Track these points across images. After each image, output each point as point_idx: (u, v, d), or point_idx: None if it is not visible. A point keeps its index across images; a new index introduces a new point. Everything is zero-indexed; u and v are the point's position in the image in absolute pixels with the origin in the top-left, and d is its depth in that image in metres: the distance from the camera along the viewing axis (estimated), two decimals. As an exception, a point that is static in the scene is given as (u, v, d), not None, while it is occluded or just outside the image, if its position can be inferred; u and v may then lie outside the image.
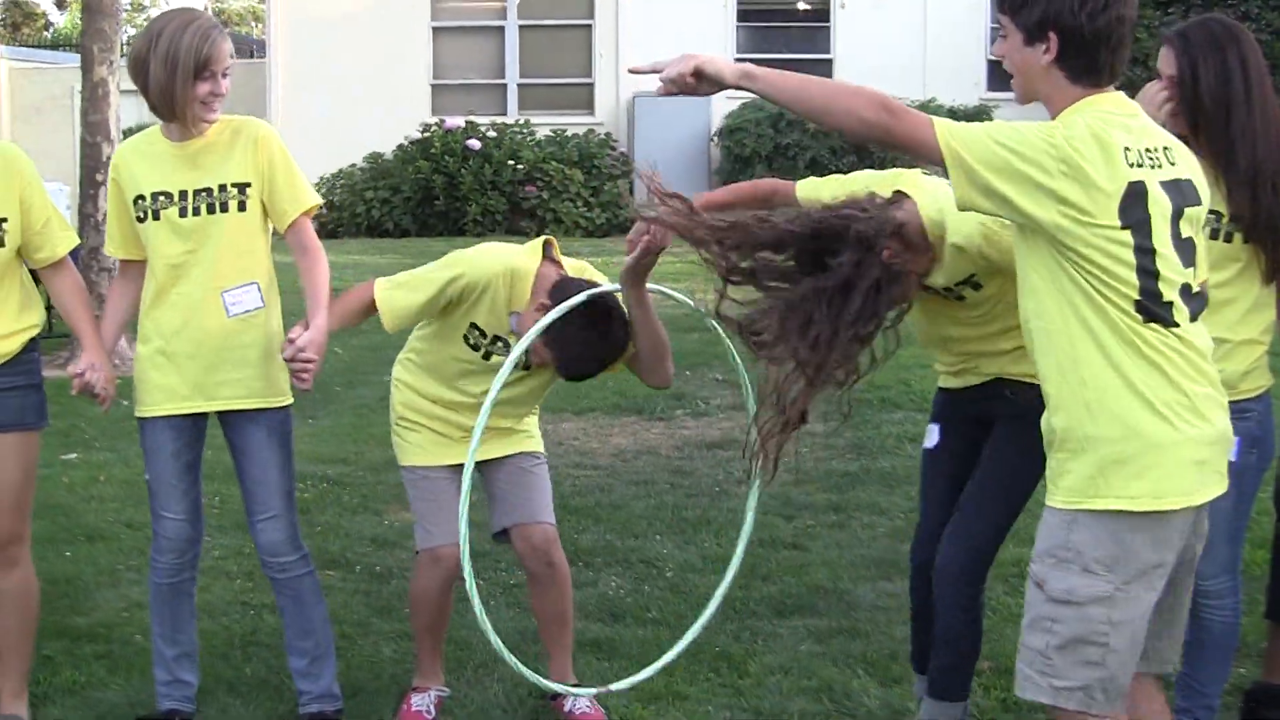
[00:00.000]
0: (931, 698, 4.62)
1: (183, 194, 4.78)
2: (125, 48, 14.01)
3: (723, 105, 23.72)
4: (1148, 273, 3.43)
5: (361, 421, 9.90)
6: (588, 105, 24.98)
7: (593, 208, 23.00)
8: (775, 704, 5.12)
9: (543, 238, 5.01)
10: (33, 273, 4.97)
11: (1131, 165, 3.43)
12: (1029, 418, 4.39)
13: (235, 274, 4.83)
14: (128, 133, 14.68)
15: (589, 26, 24.93)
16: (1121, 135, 3.46)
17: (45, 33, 56.52)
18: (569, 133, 23.82)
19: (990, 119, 22.62)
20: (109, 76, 12.84)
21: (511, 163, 22.83)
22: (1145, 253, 3.43)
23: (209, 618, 5.98)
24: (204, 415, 4.96)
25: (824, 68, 24.64)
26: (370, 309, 4.96)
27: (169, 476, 4.95)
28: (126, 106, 13.71)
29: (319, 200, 5.01)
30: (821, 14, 24.94)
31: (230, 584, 6.46)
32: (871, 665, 5.43)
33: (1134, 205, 3.42)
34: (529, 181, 22.85)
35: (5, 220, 4.74)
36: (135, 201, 4.84)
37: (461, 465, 4.35)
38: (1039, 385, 4.37)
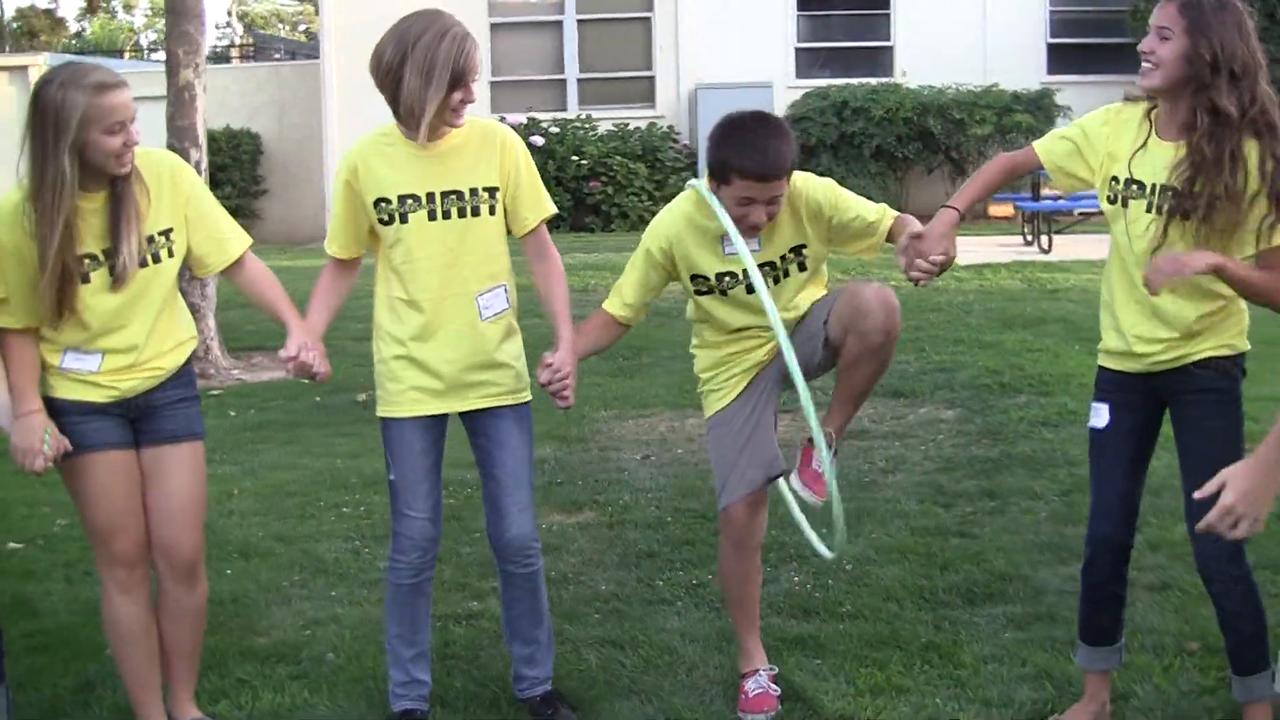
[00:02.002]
0: (1239, 675, 4.59)
1: (430, 196, 4.78)
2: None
3: (785, 95, 23.77)
4: None
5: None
6: (648, 98, 25.00)
7: (658, 201, 23.01)
8: (1001, 692, 5.10)
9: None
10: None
11: None
12: (1221, 389, 4.48)
13: (486, 277, 4.86)
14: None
15: (648, 19, 24.96)
16: None
17: (73, 40, 56.72)
18: (631, 126, 23.86)
19: (1053, 101, 22.64)
20: (195, 80, 12.70)
21: (575, 158, 22.89)
22: None
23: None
24: (447, 415, 4.98)
25: (884, 55, 24.66)
26: (612, 324, 5.11)
27: (416, 476, 4.96)
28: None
29: (555, 209, 5.03)
30: (881, 1, 24.87)
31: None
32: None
33: None
34: (593, 177, 22.92)
35: (171, 230, 4.70)
36: (377, 204, 4.82)
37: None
38: (1226, 358, 4.46)
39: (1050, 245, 18.41)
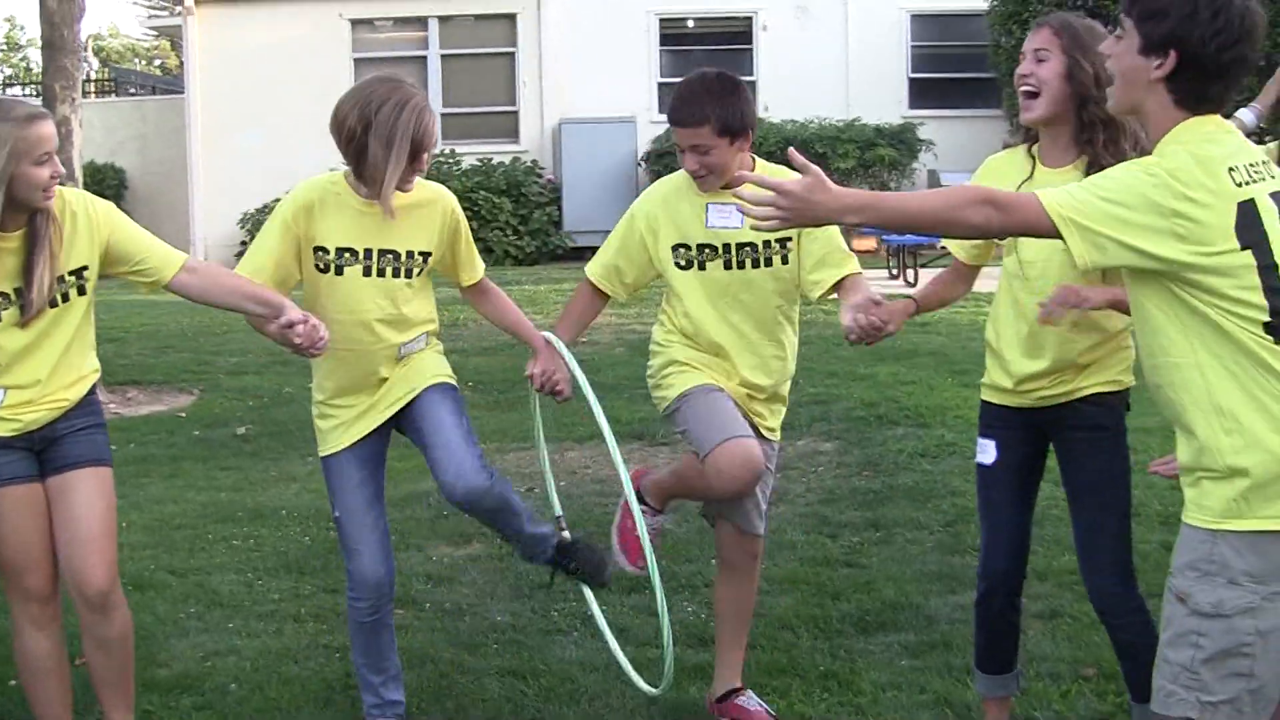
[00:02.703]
0: (1139, 702, 4.63)
1: (367, 253, 4.85)
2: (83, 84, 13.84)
3: (649, 129, 23.87)
4: (1275, 290, 3.34)
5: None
6: (512, 133, 25.08)
7: (522, 235, 23.08)
8: (902, 719, 5.17)
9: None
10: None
11: (1239, 184, 3.35)
12: (1106, 425, 4.55)
13: (411, 329, 5.02)
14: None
15: (511, 54, 25.05)
16: (1224, 155, 3.38)
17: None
18: (495, 161, 23.87)
19: (915, 135, 22.95)
20: (72, 115, 12.65)
21: (440, 192, 22.83)
22: (1269, 269, 3.34)
23: (294, 663, 5.92)
24: (381, 438, 5.04)
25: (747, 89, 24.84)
26: (595, 294, 5.24)
27: (359, 508, 5.00)
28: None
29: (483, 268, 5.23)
30: (744, 36, 25.20)
31: (301, 627, 6.39)
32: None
33: (1249, 224, 3.33)
34: (458, 211, 22.86)
35: (85, 268, 4.65)
36: (316, 251, 4.86)
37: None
38: (1112, 394, 4.52)
39: (916, 279, 18.63)
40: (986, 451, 4.80)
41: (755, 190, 3.44)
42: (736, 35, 25.30)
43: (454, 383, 5.07)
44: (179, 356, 14.39)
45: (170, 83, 41.33)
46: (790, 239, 4.97)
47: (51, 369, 4.64)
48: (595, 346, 14.18)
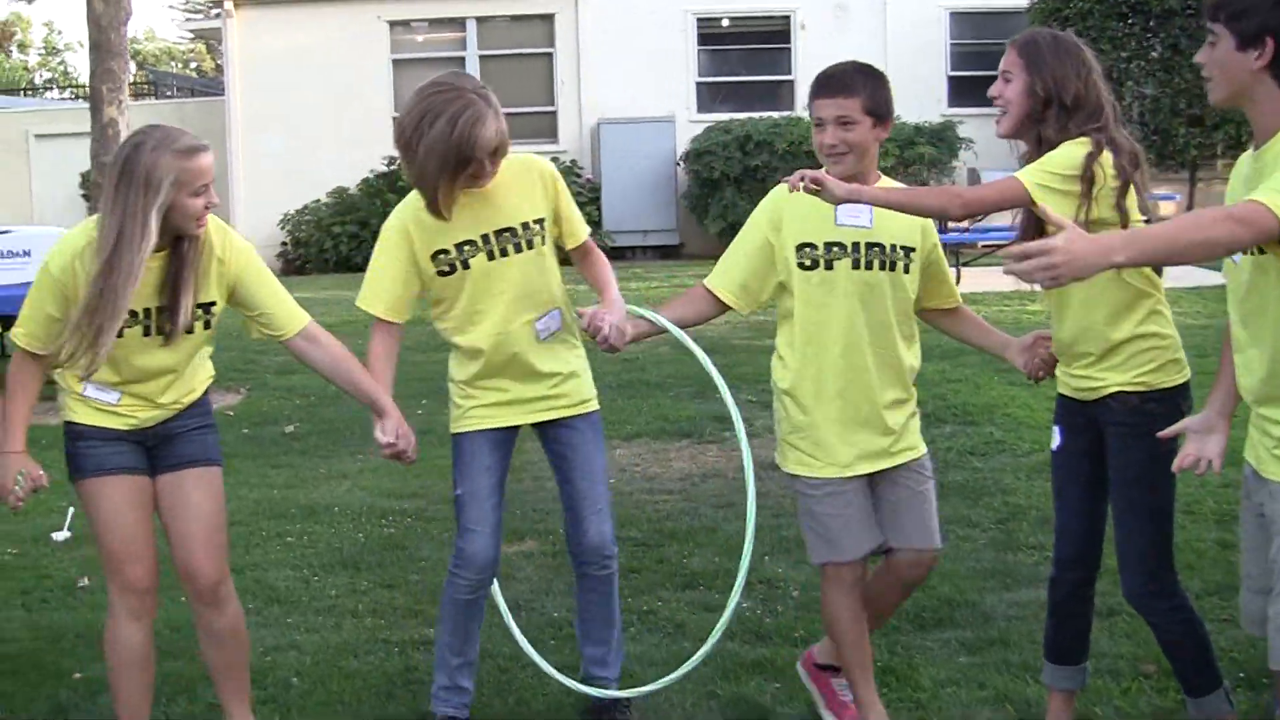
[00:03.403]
0: (1192, 698, 4.70)
1: (485, 238, 4.94)
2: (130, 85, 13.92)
3: (687, 129, 23.89)
4: None
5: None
6: (551, 133, 25.10)
7: (562, 235, 23.05)
8: (962, 715, 5.17)
9: None
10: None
11: None
12: (1130, 424, 4.58)
13: (542, 304, 5.07)
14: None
15: (550, 55, 25.07)
16: None
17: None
18: (534, 161, 23.87)
19: (955, 134, 22.91)
20: (119, 116, 12.77)
21: (479, 193, 22.86)
22: None
23: (354, 658, 5.97)
24: (516, 430, 5.18)
25: (785, 88, 24.88)
26: (704, 296, 5.16)
27: (482, 491, 5.10)
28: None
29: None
30: (782, 35, 25.17)
31: (360, 623, 6.42)
32: (1036, 673, 5.49)
33: None
34: (498, 211, 22.88)
35: (214, 304, 4.76)
36: (436, 257, 4.96)
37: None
38: (1135, 393, 4.57)
39: (959, 277, 18.58)
40: (1055, 437, 4.88)
41: (1017, 249, 3.50)
42: (775, 34, 25.29)
43: (598, 409, 5.24)
44: (226, 355, 14.18)
45: (207, 85, 41.57)
46: (915, 249, 4.95)
47: (169, 384, 4.78)
48: (640, 346, 14.19)
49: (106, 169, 4.57)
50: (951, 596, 6.44)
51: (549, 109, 25.24)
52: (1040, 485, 8.21)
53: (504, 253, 4.95)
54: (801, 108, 24.20)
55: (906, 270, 4.95)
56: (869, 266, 4.90)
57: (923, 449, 5.20)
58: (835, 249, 4.90)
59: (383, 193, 22.73)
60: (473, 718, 5.27)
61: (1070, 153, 4.48)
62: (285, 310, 4.86)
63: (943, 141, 23.08)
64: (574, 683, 5.24)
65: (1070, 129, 4.51)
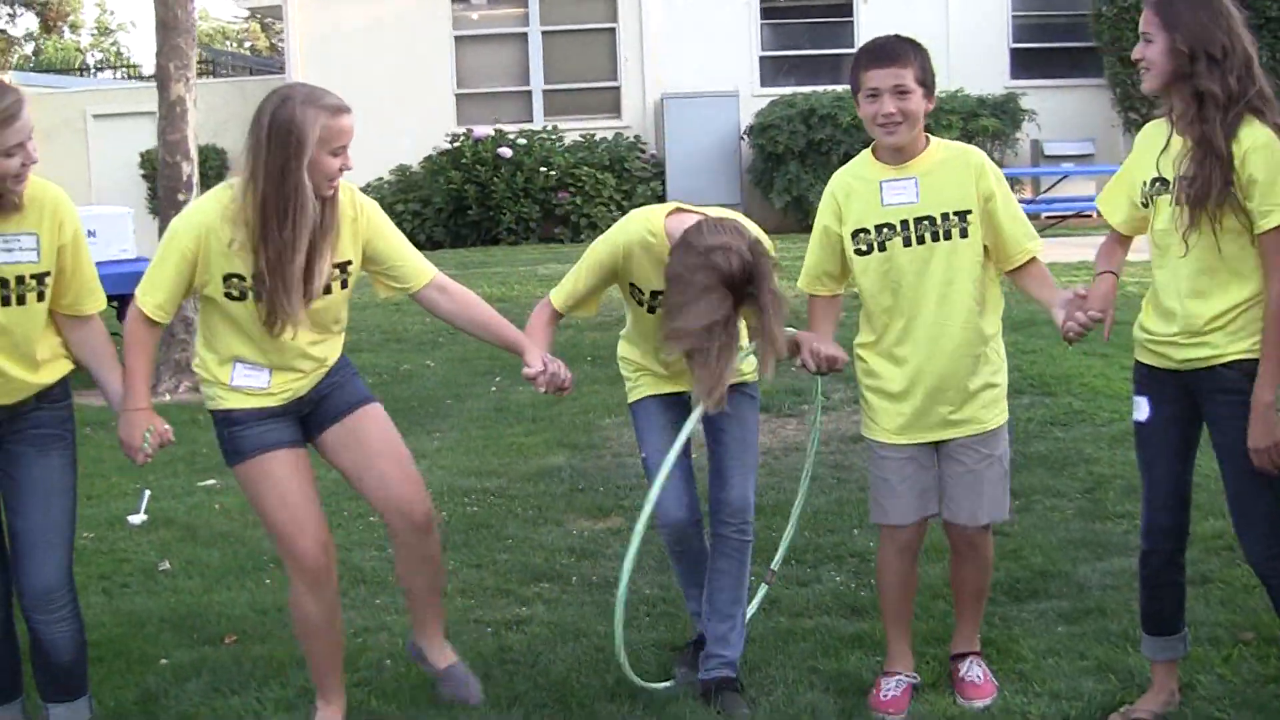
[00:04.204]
0: None
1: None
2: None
3: (751, 103, 23.84)
4: None
5: (489, 434, 9.93)
6: (614, 109, 25.05)
7: (625, 211, 22.97)
8: (1067, 685, 5.13)
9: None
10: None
11: None
12: (1245, 391, 4.53)
13: None
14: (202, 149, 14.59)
15: (613, 30, 25.01)
16: None
17: (29, 60, 56.36)
18: (597, 137, 23.89)
19: (1018, 105, 22.78)
20: (186, 94, 12.69)
21: (544, 169, 22.89)
22: None
23: (447, 639, 5.91)
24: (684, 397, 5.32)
25: (848, 62, 24.60)
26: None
27: (666, 447, 5.03)
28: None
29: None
30: (844, 9, 25.04)
31: (450, 603, 6.36)
32: (1135, 642, 5.46)
33: None
34: (561, 188, 22.92)
35: (350, 263, 4.79)
36: (631, 289, 5.27)
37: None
38: (1254, 361, 4.52)
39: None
40: (1141, 409, 4.83)
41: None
42: (838, 8, 25.09)
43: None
44: None
45: (263, 63, 41.65)
46: (971, 211, 4.93)
47: (315, 347, 4.81)
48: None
49: (250, 126, 4.52)
50: (1044, 567, 6.41)
51: (613, 84, 25.16)
52: (1123, 454, 8.18)
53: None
54: (867, 81, 24.13)
55: (964, 235, 4.94)
56: (920, 241, 4.93)
57: (992, 423, 5.13)
58: (885, 230, 4.95)
59: (446, 170, 22.76)
60: (568, 698, 5.27)
61: None
62: (415, 262, 4.93)
63: (1005, 114, 22.90)
64: (635, 677, 5.14)
65: (1230, 82, 4.46)
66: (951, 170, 4.95)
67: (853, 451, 8.82)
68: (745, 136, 23.72)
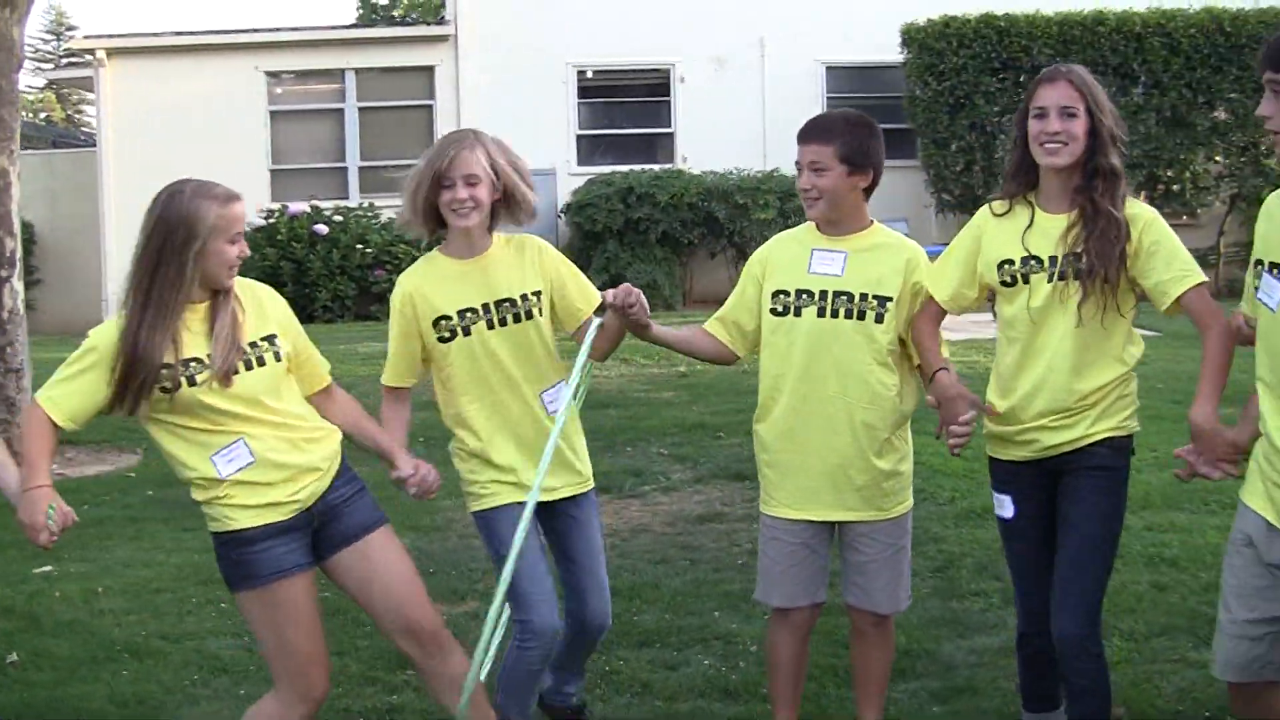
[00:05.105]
0: None
1: (485, 307, 5.08)
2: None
3: (568, 181, 23.91)
4: None
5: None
6: (431, 185, 24.91)
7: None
8: (952, 768, 5.21)
9: None
10: None
11: None
12: (1114, 468, 4.70)
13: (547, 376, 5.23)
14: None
15: (430, 106, 24.95)
16: None
17: None
18: (414, 214, 23.72)
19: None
20: (10, 167, 12.36)
21: (360, 246, 22.75)
22: None
23: None
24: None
25: (665, 141, 24.98)
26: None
27: (534, 557, 5.08)
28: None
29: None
30: (661, 89, 25.23)
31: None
32: (1012, 718, 5.57)
33: None
34: (378, 265, 22.78)
35: (275, 335, 4.78)
36: (436, 323, 5.12)
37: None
38: (1124, 438, 4.73)
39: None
40: (1005, 506, 4.95)
41: None
42: (655, 88, 25.29)
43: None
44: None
45: (64, 136, 40.86)
46: (891, 299, 5.00)
47: (290, 437, 4.73)
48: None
49: (143, 222, 4.58)
50: (909, 647, 6.46)
51: (429, 161, 25.09)
52: (968, 532, 8.32)
53: (503, 322, 5.11)
54: (680, 160, 24.38)
55: (879, 320, 5.00)
56: (834, 315, 4.99)
57: (895, 511, 5.25)
58: (804, 296, 5.01)
59: (260, 246, 22.46)
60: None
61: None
62: (319, 357, 5.01)
63: (822, 193, 23.24)
64: None
65: (1118, 161, 4.75)
66: (884, 255, 5.06)
67: (700, 532, 8.84)
68: (562, 214, 23.78)
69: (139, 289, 4.54)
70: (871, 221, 5.13)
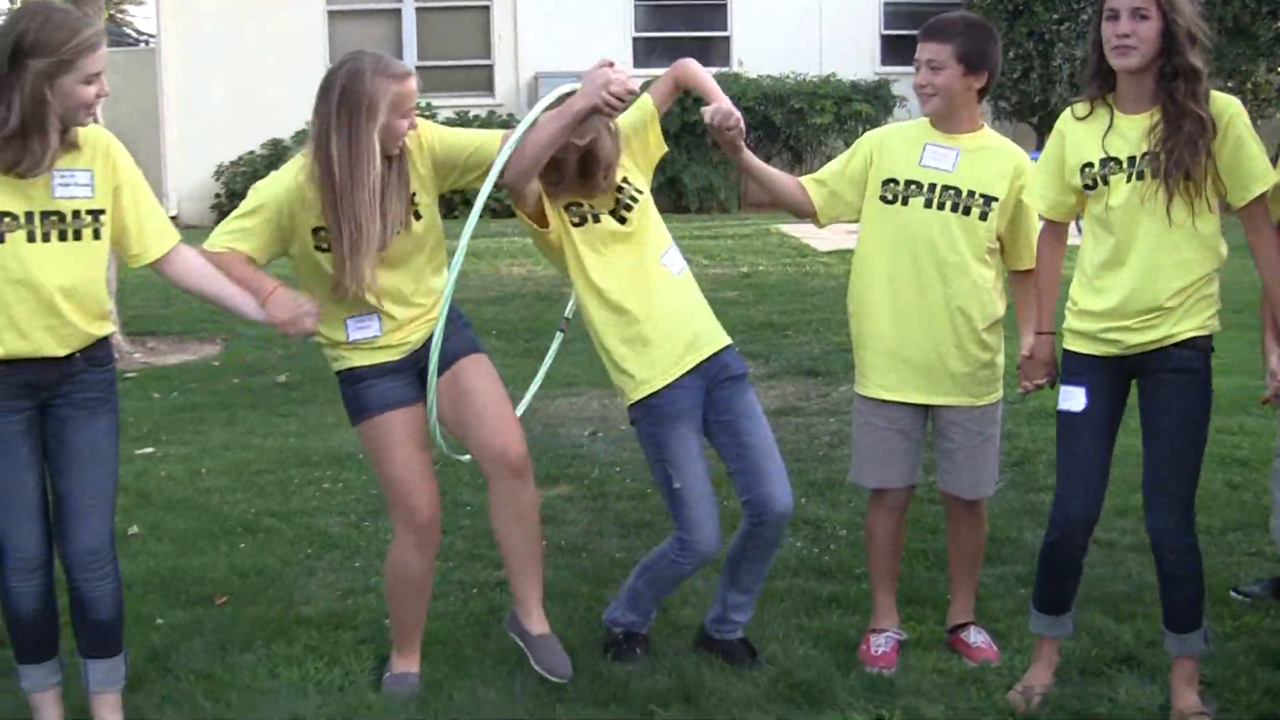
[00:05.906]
0: (1176, 632, 4.93)
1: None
2: None
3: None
4: None
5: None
6: (488, 87, 25.05)
7: (500, 188, 23.03)
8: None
9: None
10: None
11: None
12: (1196, 370, 4.78)
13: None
14: None
15: (487, 7, 25.01)
16: None
17: None
18: (470, 114, 23.84)
19: (889, 92, 23.15)
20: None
21: (419, 145, 22.82)
22: None
23: (436, 600, 5.81)
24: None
25: (721, 45, 24.99)
26: (797, 188, 5.53)
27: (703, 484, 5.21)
28: None
29: None
30: (718, -9, 25.22)
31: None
32: (1094, 601, 5.79)
33: None
34: (435, 164, 22.85)
35: (416, 194, 4.98)
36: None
37: None
38: (1205, 338, 4.80)
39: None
40: (1074, 399, 4.90)
41: None
42: (712, -9, 25.35)
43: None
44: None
45: (112, 33, 40.90)
46: (996, 199, 5.21)
47: (414, 287, 5.02)
48: (509, 302, 14.37)
49: (319, 95, 4.77)
50: (994, 534, 6.59)
51: (486, 62, 25.16)
52: (1039, 430, 8.52)
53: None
54: (737, 63, 24.39)
55: (983, 217, 5.21)
56: (940, 207, 5.21)
57: (984, 399, 5.41)
58: (913, 186, 5.23)
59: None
60: (570, 654, 5.31)
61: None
62: (488, 141, 5.22)
63: (878, 99, 23.32)
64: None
65: (1200, 59, 4.76)
66: (993, 158, 5.26)
67: (779, 425, 8.99)
68: (619, 117, 23.79)
69: (339, 164, 4.75)
70: (983, 124, 5.32)
